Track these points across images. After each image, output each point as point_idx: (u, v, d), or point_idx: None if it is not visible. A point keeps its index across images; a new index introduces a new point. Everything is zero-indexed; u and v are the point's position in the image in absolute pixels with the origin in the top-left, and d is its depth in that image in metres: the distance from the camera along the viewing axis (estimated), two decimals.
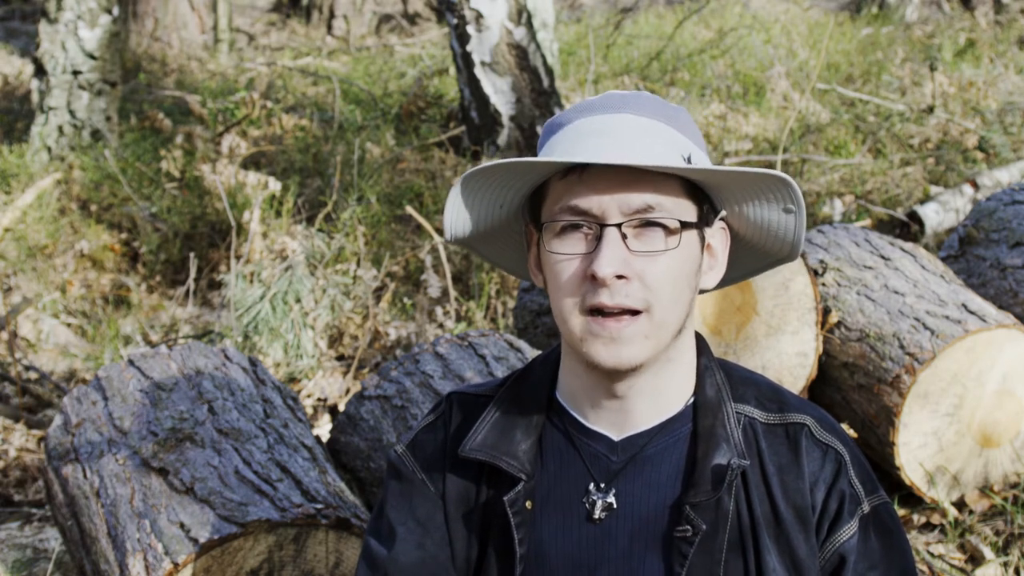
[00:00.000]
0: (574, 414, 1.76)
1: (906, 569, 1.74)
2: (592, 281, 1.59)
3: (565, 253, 1.63)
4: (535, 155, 1.72)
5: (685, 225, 1.64)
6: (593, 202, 1.60)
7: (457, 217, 1.71)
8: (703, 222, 1.69)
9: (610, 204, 1.60)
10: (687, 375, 1.75)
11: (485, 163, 1.63)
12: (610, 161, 1.56)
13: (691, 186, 1.67)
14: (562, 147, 1.66)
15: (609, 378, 1.67)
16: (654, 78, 9.25)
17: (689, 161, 1.64)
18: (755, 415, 1.74)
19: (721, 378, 1.77)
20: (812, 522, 1.69)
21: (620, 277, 1.59)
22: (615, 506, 1.70)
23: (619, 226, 1.59)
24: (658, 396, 1.72)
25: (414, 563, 1.76)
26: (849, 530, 1.70)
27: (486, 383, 1.90)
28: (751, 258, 1.83)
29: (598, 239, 1.60)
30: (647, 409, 1.72)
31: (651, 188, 1.61)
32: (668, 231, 1.62)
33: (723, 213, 1.73)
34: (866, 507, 1.71)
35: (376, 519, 1.84)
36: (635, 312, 1.60)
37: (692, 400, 1.74)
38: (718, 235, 1.74)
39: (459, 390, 1.89)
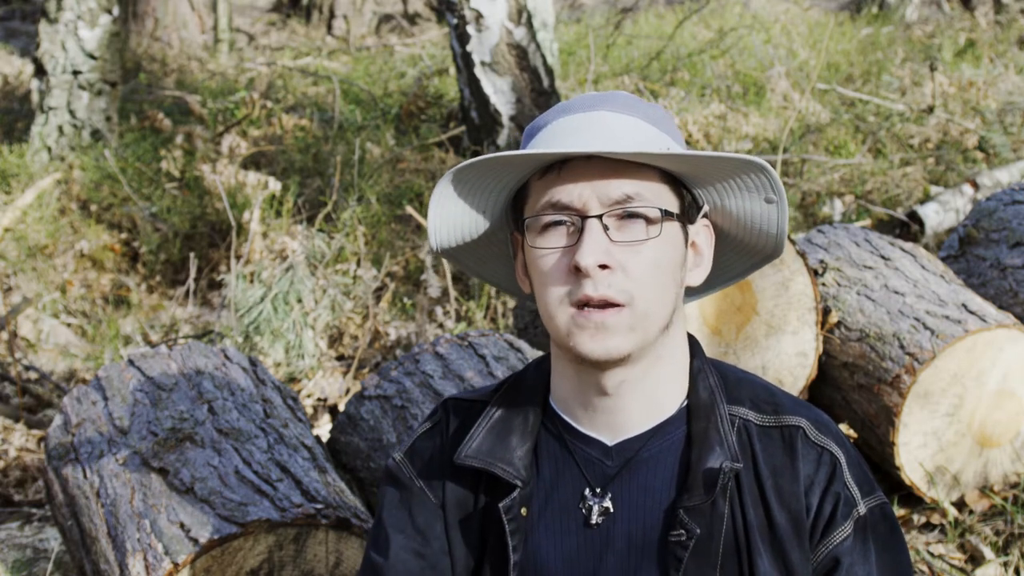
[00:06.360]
0: (567, 419, 1.75)
1: (902, 572, 1.73)
2: (576, 273, 1.60)
3: (548, 247, 1.63)
4: None
5: (666, 215, 1.64)
6: (573, 195, 1.61)
7: (441, 224, 1.70)
8: (685, 216, 1.70)
9: (590, 196, 1.61)
10: (679, 377, 1.74)
11: (459, 163, 1.63)
12: (583, 151, 1.57)
13: (672, 178, 1.68)
14: (541, 147, 1.67)
15: (597, 370, 1.67)
16: (654, 78, 9.24)
17: None
18: (750, 417, 1.73)
19: (715, 380, 1.76)
20: (806, 526, 1.68)
21: (603, 267, 1.59)
22: (612, 511, 1.69)
23: (600, 217, 1.60)
24: (650, 398, 1.71)
25: (413, 572, 1.75)
26: (842, 532, 1.68)
27: (481, 388, 1.89)
28: (737, 258, 1.83)
29: (580, 231, 1.61)
30: (640, 412, 1.71)
31: (630, 177, 1.62)
32: (649, 221, 1.63)
33: (706, 209, 1.74)
34: (861, 509, 1.70)
35: (375, 529, 1.83)
36: (618, 305, 1.61)
37: (686, 403, 1.74)
38: (702, 232, 1.75)
39: (454, 396, 1.89)
